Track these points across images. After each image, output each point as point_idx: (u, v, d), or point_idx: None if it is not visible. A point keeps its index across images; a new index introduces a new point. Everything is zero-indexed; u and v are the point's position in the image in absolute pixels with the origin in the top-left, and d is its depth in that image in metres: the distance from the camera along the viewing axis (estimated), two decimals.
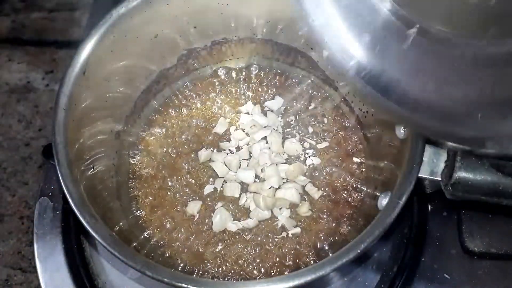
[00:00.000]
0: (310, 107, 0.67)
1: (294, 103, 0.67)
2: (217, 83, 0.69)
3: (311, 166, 0.62)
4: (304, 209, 0.59)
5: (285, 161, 0.63)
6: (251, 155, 0.63)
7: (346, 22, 0.42)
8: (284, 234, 0.58)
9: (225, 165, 0.62)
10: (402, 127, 0.49)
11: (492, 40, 0.36)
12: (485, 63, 0.37)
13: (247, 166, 0.62)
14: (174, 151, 0.65)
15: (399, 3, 0.40)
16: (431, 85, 0.40)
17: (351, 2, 0.42)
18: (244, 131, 0.65)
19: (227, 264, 0.57)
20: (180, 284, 0.44)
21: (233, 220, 0.59)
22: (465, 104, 0.38)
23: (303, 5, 0.43)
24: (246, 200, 0.60)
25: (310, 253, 0.57)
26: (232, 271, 0.56)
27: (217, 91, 0.69)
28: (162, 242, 0.59)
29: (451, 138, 0.44)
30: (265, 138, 0.64)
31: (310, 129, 0.65)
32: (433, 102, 0.40)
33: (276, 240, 0.58)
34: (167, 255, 0.58)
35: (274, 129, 0.65)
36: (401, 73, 0.41)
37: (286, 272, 0.56)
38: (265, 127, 0.65)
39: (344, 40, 0.42)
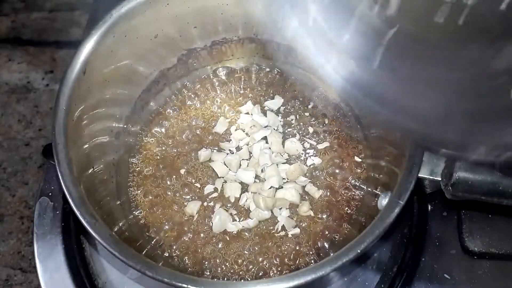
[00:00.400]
0: (309, 106, 0.67)
1: (294, 103, 0.67)
2: (217, 83, 0.69)
3: (311, 166, 0.62)
4: (305, 209, 0.59)
5: (285, 161, 0.63)
6: (251, 155, 0.63)
7: (323, 20, 0.42)
8: (284, 234, 0.58)
9: (225, 165, 0.62)
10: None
11: (470, 43, 0.36)
12: (465, 67, 0.37)
13: (247, 166, 0.62)
14: (174, 151, 0.65)
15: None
16: (410, 88, 0.40)
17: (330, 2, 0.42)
18: (244, 131, 0.65)
19: (227, 264, 0.57)
20: (180, 284, 0.44)
21: (233, 221, 0.59)
22: (444, 107, 0.38)
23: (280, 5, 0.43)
24: (246, 200, 0.60)
25: (310, 253, 0.57)
26: (232, 271, 0.56)
27: (217, 91, 0.69)
28: (161, 242, 0.59)
29: (432, 141, 0.44)
30: (265, 138, 0.64)
31: (311, 129, 0.65)
32: (413, 104, 0.40)
33: (276, 240, 0.58)
34: (167, 255, 0.58)
35: (274, 129, 0.65)
36: (380, 75, 0.41)
37: (286, 272, 0.56)
38: (265, 127, 0.65)
39: (322, 39, 0.42)
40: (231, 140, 0.65)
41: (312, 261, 0.56)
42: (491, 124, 0.35)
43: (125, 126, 0.63)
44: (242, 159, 0.63)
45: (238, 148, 0.64)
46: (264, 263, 0.57)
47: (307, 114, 0.66)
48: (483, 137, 0.36)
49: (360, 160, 0.62)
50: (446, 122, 0.38)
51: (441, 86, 0.38)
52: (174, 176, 0.63)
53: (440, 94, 0.38)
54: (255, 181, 0.61)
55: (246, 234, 0.58)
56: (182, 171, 0.63)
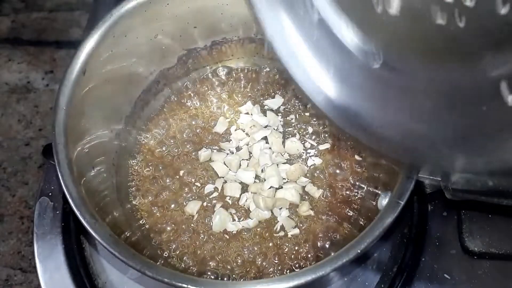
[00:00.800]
0: (309, 106, 0.67)
1: (294, 102, 0.67)
2: (217, 83, 0.69)
3: (311, 167, 0.62)
4: (305, 208, 0.59)
5: (286, 161, 0.63)
6: (251, 155, 0.63)
7: (313, 56, 0.43)
8: (283, 234, 0.58)
9: (225, 165, 0.62)
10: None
11: (453, 68, 0.36)
12: (447, 94, 0.37)
13: (247, 166, 0.62)
14: (174, 151, 0.65)
15: (360, 31, 0.40)
16: (394, 117, 0.40)
17: (318, 38, 0.43)
18: (244, 131, 0.65)
19: (227, 264, 0.57)
20: (180, 284, 0.44)
21: (233, 221, 0.59)
22: (427, 136, 0.39)
23: (273, 45, 0.44)
24: (246, 200, 0.60)
25: (310, 253, 0.57)
26: (232, 271, 0.56)
27: (217, 91, 0.69)
28: (161, 242, 0.59)
29: (420, 168, 0.45)
30: (265, 138, 0.64)
31: (310, 129, 0.65)
32: (394, 134, 0.40)
33: (276, 240, 0.58)
34: (166, 254, 0.58)
35: (274, 128, 0.65)
36: (363, 105, 0.41)
37: (286, 272, 0.56)
38: (265, 127, 0.65)
39: (312, 74, 0.43)
40: (231, 140, 0.65)
41: (312, 261, 0.56)
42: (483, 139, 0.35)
43: (125, 126, 0.63)
44: (242, 159, 0.63)
45: (238, 148, 0.64)
46: (264, 263, 0.57)
47: (307, 114, 0.66)
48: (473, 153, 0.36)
49: (360, 158, 0.62)
50: (427, 149, 0.38)
51: (422, 114, 0.38)
52: (174, 176, 0.63)
53: (421, 123, 0.39)
54: (255, 181, 0.61)
55: (246, 234, 0.58)
56: (182, 171, 0.63)
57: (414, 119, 0.39)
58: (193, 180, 0.62)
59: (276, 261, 0.57)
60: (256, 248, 0.57)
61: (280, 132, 0.65)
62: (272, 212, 0.59)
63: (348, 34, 0.41)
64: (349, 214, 0.59)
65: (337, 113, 0.43)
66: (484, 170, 0.36)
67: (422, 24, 0.36)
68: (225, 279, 0.56)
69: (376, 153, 0.52)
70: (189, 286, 0.43)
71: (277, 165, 0.62)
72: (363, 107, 0.42)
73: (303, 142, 0.64)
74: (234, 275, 0.56)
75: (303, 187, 0.61)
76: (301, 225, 0.59)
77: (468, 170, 0.37)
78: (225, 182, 0.62)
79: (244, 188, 0.61)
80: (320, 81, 0.43)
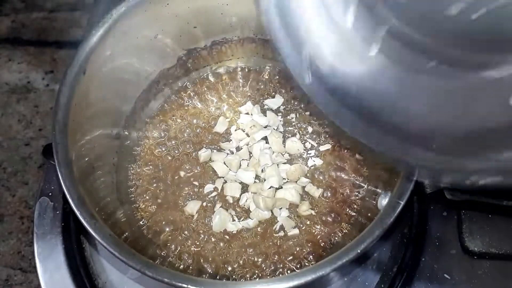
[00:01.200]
0: (310, 105, 0.67)
1: (294, 102, 0.67)
2: (217, 83, 0.69)
3: (312, 167, 0.62)
4: (304, 208, 0.59)
5: (286, 161, 0.62)
6: (251, 155, 0.63)
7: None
8: (283, 234, 0.58)
9: (225, 165, 0.62)
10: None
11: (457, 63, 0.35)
12: (444, 90, 0.36)
13: (247, 166, 0.62)
14: (174, 151, 0.65)
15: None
16: (395, 100, 0.40)
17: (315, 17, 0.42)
18: (244, 131, 0.65)
19: (227, 264, 0.57)
20: (180, 284, 0.44)
21: (233, 221, 0.59)
22: (426, 125, 0.38)
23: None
24: (246, 200, 0.60)
25: (310, 253, 0.57)
26: (232, 271, 0.56)
27: (217, 91, 0.69)
28: (161, 242, 0.59)
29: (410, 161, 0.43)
30: (265, 138, 0.64)
31: (310, 129, 0.65)
32: (394, 117, 0.40)
33: (276, 240, 0.58)
34: (166, 254, 0.58)
35: (274, 128, 0.65)
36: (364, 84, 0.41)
37: (286, 272, 0.56)
38: (265, 127, 0.65)
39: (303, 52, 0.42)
40: (231, 140, 0.65)
41: (312, 261, 0.56)
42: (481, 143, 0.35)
43: (125, 126, 0.63)
44: (242, 159, 0.63)
45: (238, 148, 0.64)
46: (264, 263, 0.57)
47: (307, 113, 0.66)
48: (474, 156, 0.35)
49: (361, 158, 0.62)
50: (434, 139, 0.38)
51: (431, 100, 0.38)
52: (174, 176, 0.63)
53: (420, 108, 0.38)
54: (255, 181, 0.61)
55: (246, 234, 0.58)
56: (182, 171, 0.63)
57: (410, 114, 0.39)
58: (193, 180, 0.62)
59: (276, 261, 0.57)
60: (256, 248, 0.57)
61: (280, 132, 0.65)
62: (272, 212, 0.59)
63: (349, 16, 0.40)
64: (349, 214, 0.59)
65: (322, 84, 0.42)
66: (478, 175, 0.36)
67: (432, 12, 0.35)
68: (224, 279, 0.56)
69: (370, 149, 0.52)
70: (189, 286, 0.43)
71: (277, 165, 0.62)
72: (354, 86, 0.41)
73: (303, 142, 0.64)
74: (234, 275, 0.56)
75: (303, 187, 0.61)
76: (301, 225, 0.59)
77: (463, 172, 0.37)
78: (225, 182, 0.62)
79: (244, 188, 0.61)
80: (314, 59, 0.42)
